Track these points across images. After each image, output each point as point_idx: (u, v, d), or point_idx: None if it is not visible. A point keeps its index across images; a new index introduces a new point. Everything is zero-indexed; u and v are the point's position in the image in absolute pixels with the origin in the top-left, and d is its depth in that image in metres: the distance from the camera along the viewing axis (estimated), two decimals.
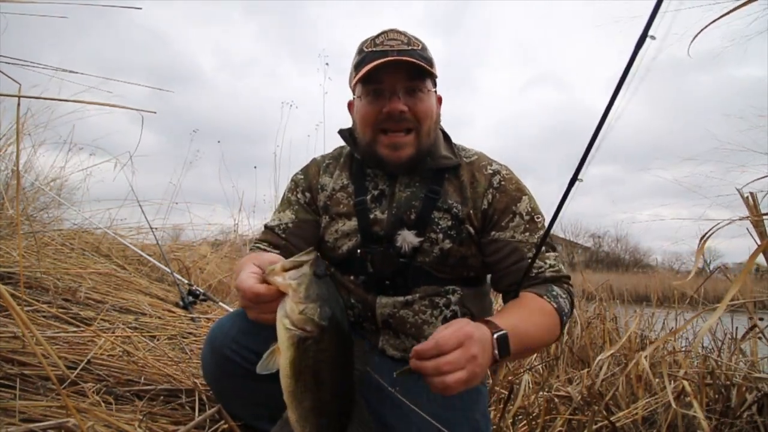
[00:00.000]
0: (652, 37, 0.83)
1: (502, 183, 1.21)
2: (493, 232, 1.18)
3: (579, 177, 0.97)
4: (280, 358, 0.76)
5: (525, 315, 1.04)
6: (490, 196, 1.20)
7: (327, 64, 4.22)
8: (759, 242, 1.51)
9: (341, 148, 1.37)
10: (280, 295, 0.77)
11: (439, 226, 1.18)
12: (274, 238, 1.26)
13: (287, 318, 0.75)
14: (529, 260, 1.13)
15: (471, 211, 1.19)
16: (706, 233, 1.24)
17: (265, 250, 1.24)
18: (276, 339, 0.77)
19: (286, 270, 0.77)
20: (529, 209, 1.20)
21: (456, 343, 0.81)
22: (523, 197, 1.21)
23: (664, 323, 2.88)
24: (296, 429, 0.79)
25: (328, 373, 0.77)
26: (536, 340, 1.04)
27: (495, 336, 0.90)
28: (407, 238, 1.16)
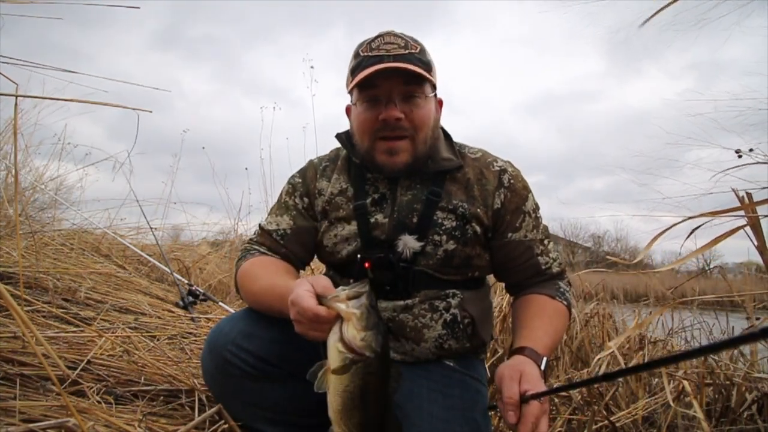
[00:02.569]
0: None
1: (512, 182, 1.23)
2: (509, 234, 1.22)
3: None
4: (331, 377, 0.84)
5: (550, 325, 1.14)
6: (502, 196, 1.21)
7: (312, 67, 4.24)
8: (756, 242, 1.51)
9: (337, 149, 1.35)
10: (337, 319, 0.85)
11: (443, 227, 1.17)
12: (273, 244, 1.25)
13: (341, 342, 0.83)
14: (538, 256, 1.23)
15: (480, 209, 1.19)
16: (662, 232, 1.29)
17: (264, 253, 1.24)
18: (324, 356, 0.85)
19: (349, 299, 0.85)
20: (534, 206, 1.26)
21: (545, 414, 0.93)
22: (529, 195, 1.25)
23: (663, 323, 2.88)
24: None
25: (374, 392, 0.85)
26: (558, 344, 1.18)
27: (542, 369, 1.03)
28: (408, 243, 1.16)
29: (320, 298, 0.86)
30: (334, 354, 0.83)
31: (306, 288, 0.87)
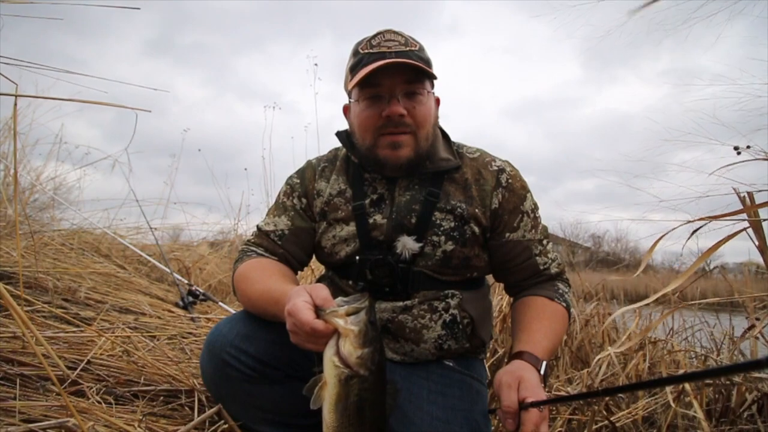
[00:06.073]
0: None
1: (510, 182, 1.22)
2: (507, 234, 1.21)
3: None
4: (326, 392, 0.82)
5: (549, 328, 1.13)
6: (500, 196, 1.20)
7: (316, 64, 4.25)
8: (757, 242, 1.51)
9: (336, 150, 1.34)
10: (334, 333, 0.84)
11: (441, 228, 1.17)
12: (270, 245, 1.24)
13: (338, 356, 0.81)
14: (536, 256, 1.22)
15: (478, 210, 1.19)
16: (661, 237, 1.30)
17: (261, 255, 1.23)
18: (318, 363, 0.84)
19: (348, 315, 0.84)
20: (532, 206, 1.25)
21: (544, 421, 0.92)
22: (527, 195, 1.25)
23: (663, 323, 2.88)
24: None
25: (369, 409, 0.84)
26: (557, 346, 1.22)
27: (541, 373, 1.02)
28: (407, 245, 1.15)
29: (318, 311, 0.84)
30: (330, 368, 0.82)
31: (304, 299, 0.85)
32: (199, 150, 4.98)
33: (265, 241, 1.25)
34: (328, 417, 0.83)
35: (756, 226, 1.43)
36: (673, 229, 1.31)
